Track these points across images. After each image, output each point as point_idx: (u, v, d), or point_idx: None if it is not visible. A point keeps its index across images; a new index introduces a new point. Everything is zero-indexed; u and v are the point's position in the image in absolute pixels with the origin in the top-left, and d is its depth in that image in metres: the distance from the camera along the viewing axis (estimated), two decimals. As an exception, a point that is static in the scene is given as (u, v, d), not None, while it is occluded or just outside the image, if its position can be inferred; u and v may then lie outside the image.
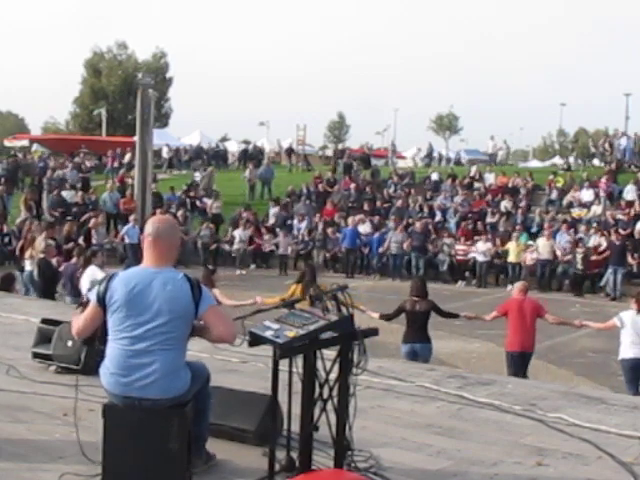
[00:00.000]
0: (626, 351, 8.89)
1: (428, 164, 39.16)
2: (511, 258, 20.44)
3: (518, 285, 10.29)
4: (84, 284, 11.17)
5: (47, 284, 12.99)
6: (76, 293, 11.86)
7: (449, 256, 21.08)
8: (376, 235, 22.01)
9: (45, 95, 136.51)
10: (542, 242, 20.40)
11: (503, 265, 20.84)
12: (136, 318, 3.85)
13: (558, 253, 20.08)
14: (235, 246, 22.39)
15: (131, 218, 20.52)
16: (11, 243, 20.75)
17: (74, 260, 12.40)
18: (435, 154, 43.77)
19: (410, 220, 22.96)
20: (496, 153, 38.65)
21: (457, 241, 21.63)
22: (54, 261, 13.24)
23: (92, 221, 20.36)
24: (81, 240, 18.80)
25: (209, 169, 30.98)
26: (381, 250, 21.58)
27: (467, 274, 21.15)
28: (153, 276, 3.90)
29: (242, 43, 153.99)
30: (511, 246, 20.55)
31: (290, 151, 38.90)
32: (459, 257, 21.18)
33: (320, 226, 23.00)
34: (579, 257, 19.65)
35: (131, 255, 19.66)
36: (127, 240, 20.33)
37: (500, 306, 10.03)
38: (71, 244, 18.23)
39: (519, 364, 9.51)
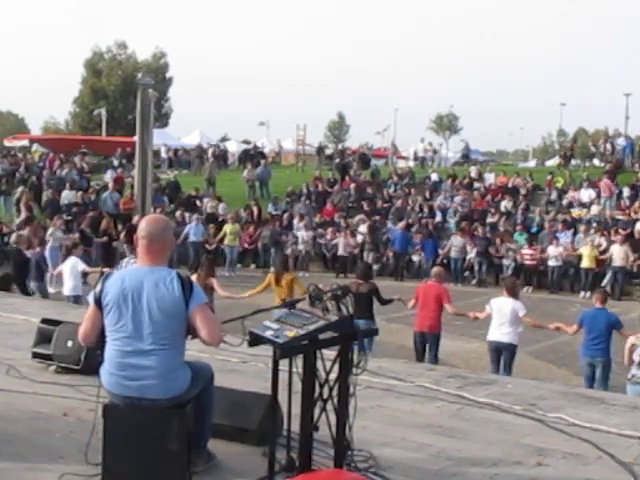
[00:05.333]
0: (491, 333, 9.73)
1: (438, 164, 38.96)
2: (585, 263, 19.24)
3: (434, 271, 11.15)
4: (65, 272, 12.31)
5: (19, 271, 13.43)
6: (39, 278, 13.22)
7: (514, 261, 20.22)
8: (429, 240, 21.50)
9: (45, 95, 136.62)
10: (617, 248, 18.91)
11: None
12: (129, 317, 3.86)
13: (631, 257, 18.81)
14: (299, 247, 22.00)
15: (194, 217, 21.48)
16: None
17: (38, 249, 13.50)
18: (443, 152, 43.61)
19: (410, 220, 22.94)
20: (425, 156, 38.84)
21: (524, 246, 20.53)
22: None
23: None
24: (123, 235, 18.83)
25: (210, 160, 32.14)
26: (441, 252, 21.01)
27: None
28: (145, 275, 3.91)
29: (242, 43, 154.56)
30: (584, 251, 19.36)
31: (320, 150, 38.17)
32: (527, 262, 20.09)
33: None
34: None
35: (193, 254, 20.14)
36: (192, 238, 20.90)
37: (414, 293, 10.83)
38: (105, 238, 19.20)
39: (421, 342, 10.36)
